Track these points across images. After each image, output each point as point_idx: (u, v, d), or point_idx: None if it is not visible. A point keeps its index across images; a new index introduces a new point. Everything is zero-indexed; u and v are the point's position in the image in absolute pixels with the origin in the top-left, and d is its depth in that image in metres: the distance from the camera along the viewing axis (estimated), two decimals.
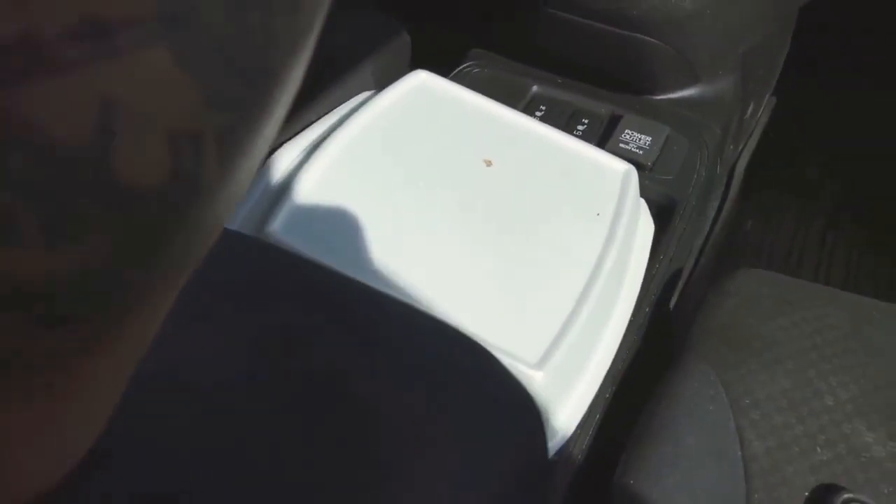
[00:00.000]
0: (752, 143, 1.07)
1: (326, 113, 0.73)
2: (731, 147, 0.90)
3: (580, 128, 0.79)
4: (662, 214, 0.73)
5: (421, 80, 0.70)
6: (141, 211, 0.12)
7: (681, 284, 0.79)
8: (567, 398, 0.57)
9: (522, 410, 0.44)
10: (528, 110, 0.79)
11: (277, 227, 0.55)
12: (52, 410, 0.16)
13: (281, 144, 0.68)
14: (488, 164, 0.65)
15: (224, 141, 0.13)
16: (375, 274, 0.55)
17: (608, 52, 0.76)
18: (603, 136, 0.77)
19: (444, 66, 0.84)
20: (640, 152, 0.75)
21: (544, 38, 0.79)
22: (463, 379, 0.43)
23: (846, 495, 0.49)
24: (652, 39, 0.73)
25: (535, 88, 0.82)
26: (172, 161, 0.12)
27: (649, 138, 0.76)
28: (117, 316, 0.14)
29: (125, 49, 0.11)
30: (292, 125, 0.73)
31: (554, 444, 0.55)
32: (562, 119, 0.79)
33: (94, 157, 0.11)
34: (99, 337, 0.14)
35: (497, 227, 0.61)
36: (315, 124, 0.69)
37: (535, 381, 0.53)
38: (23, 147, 0.11)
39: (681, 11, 0.71)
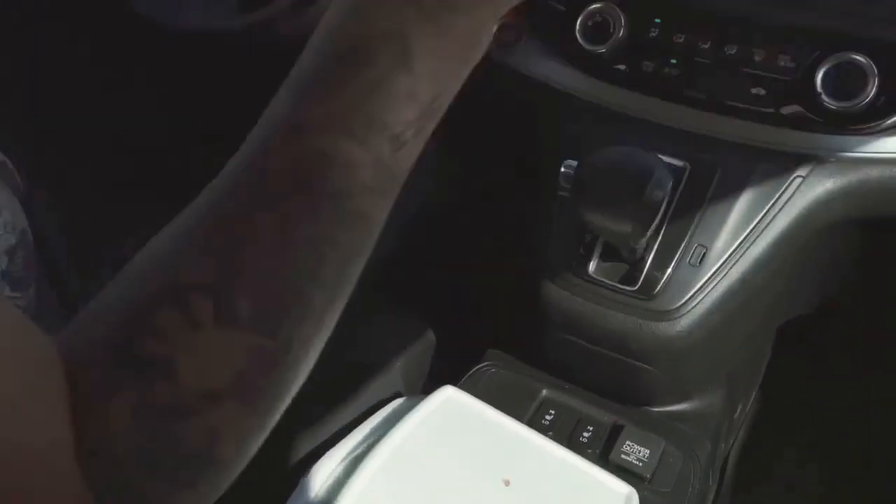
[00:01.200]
0: (742, 434, 1.15)
1: (360, 413, 0.82)
2: (723, 446, 0.98)
3: (585, 434, 0.87)
4: None
5: (447, 396, 0.79)
6: None
7: None
8: None
9: None
10: (538, 414, 0.88)
11: None
12: None
13: (319, 451, 0.75)
14: (507, 483, 0.73)
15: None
16: None
17: (611, 371, 0.87)
18: (606, 445, 0.85)
19: (464, 360, 0.94)
20: (640, 464, 0.82)
21: (554, 353, 0.90)
22: None
23: None
24: (649, 367, 0.83)
25: (544, 392, 0.91)
26: None
27: (648, 451, 0.84)
28: None
29: None
30: (329, 425, 0.82)
31: None
32: (568, 425, 0.88)
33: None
34: None
35: None
36: (351, 434, 0.77)
37: None
38: None
39: (676, 346, 0.82)
